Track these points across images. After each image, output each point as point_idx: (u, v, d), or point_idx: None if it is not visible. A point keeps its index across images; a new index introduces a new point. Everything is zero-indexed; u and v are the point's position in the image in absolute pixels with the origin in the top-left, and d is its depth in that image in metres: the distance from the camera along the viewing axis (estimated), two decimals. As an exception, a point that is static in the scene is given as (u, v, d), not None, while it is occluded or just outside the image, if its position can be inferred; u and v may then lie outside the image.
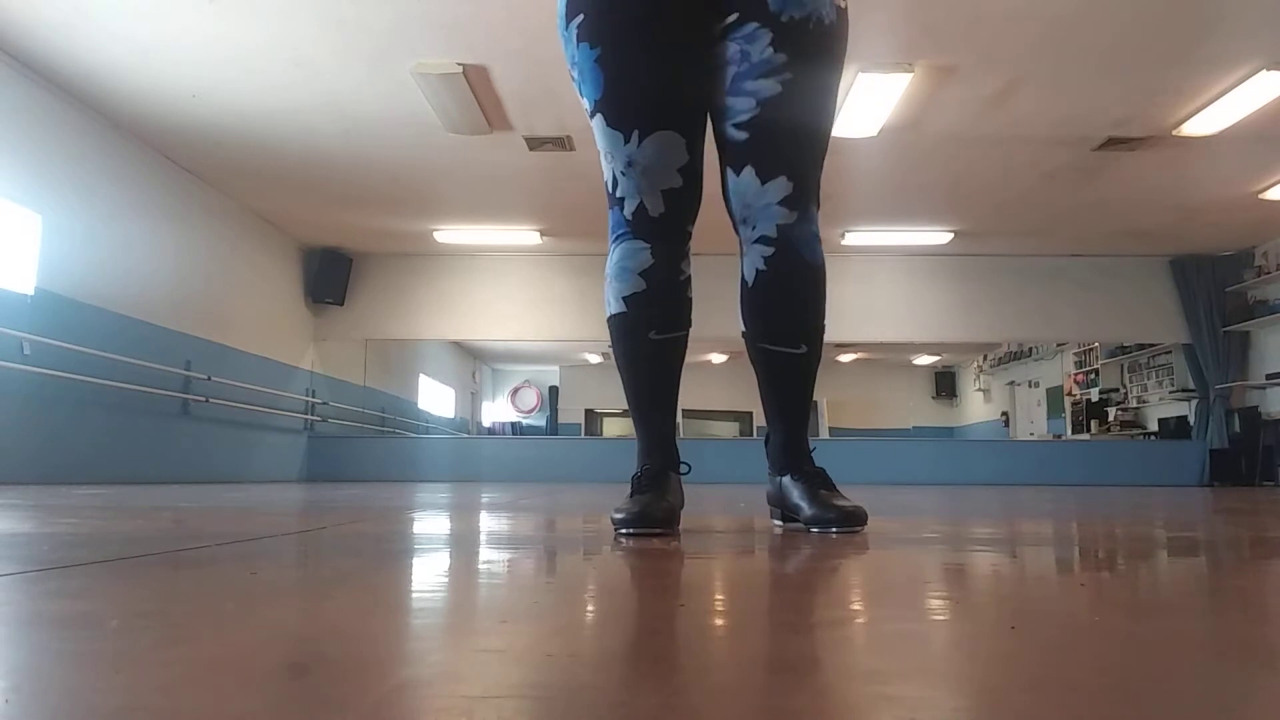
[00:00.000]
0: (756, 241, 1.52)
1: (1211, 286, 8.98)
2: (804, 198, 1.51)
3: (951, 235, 8.55)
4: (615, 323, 1.58)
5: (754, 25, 1.47)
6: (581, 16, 1.50)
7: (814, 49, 1.48)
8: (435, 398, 13.89)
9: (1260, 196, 7.26)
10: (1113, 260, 9.24)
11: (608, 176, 1.56)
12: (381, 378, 11.31)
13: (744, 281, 1.56)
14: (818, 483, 1.54)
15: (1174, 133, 6.00)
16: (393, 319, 9.39)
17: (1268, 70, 5.10)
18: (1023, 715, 0.38)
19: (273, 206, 7.88)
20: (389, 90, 5.50)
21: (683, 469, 1.60)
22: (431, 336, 9.79)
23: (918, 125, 5.97)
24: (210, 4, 4.57)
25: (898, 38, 4.85)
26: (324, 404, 9.38)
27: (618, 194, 1.55)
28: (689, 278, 1.59)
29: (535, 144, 6.33)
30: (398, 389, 12.00)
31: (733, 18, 1.49)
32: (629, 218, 1.54)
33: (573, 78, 1.57)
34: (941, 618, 0.65)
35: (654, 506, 1.44)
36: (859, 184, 7.10)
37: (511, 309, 9.31)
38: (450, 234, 8.56)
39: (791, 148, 1.49)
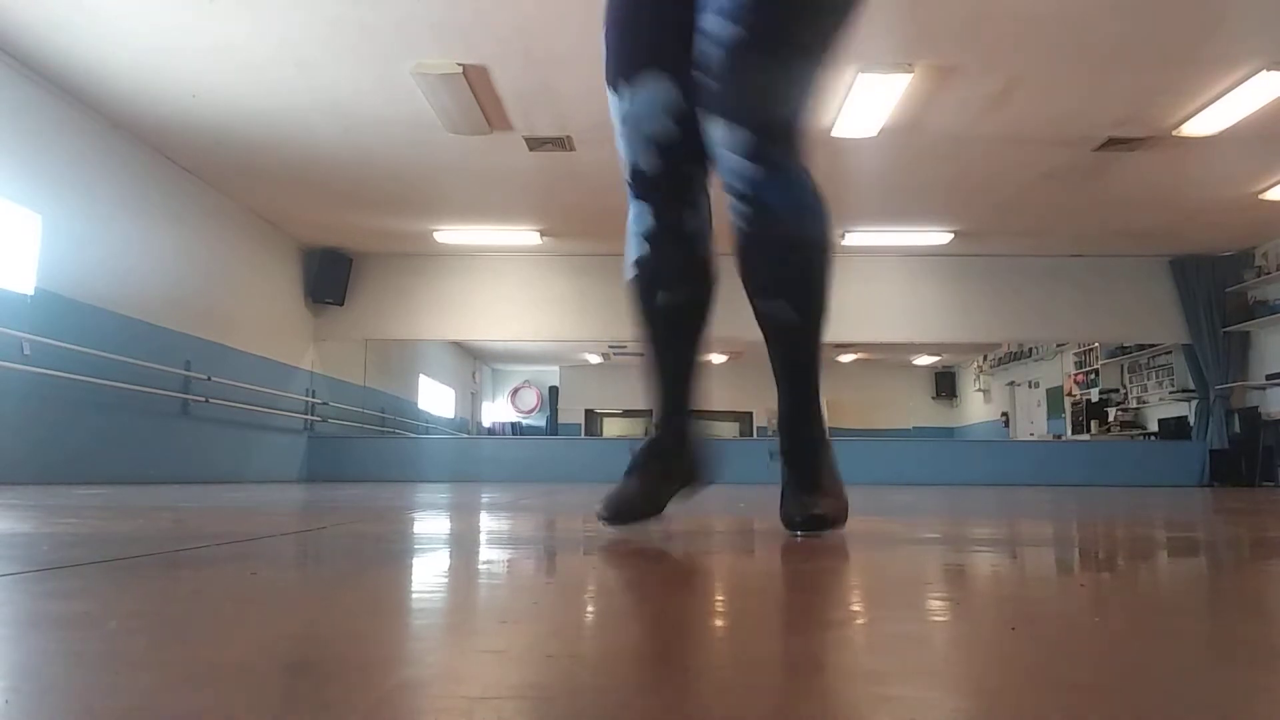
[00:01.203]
0: (731, 196, 1.39)
1: (1211, 287, 8.98)
2: (772, 147, 1.34)
3: (951, 235, 8.55)
4: (629, 290, 1.54)
5: None
6: (606, 2, 1.51)
7: None
8: (435, 398, 13.89)
9: (1260, 197, 7.26)
10: (1113, 260, 9.24)
11: (617, 144, 1.51)
12: (381, 378, 11.31)
13: (731, 240, 1.43)
14: (798, 474, 1.45)
15: (1174, 133, 6.00)
16: (393, 319, 9.39)
17: (1268, 70, 5.10)
18: (1023, 716, 0.38)
19: (273, 206, 7.88)
20: (389, 90, 5.50)
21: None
22: (431, 337, 9.79)
23: (918, 126, 5.96)
24: (211, 4, 4.57)
25: (897, 38, 4.85)
26: (324, 404, 9.38)
27: (621, 156, 1.50)
28: (698, 232, 1.50)
29: (535, 144, 6.33)
30: (398, 389, 12.00)
31: None
32: (629, 179, 1.49)
33: None
34: (941, 618, 0.65)
35: (632, 496, 1.43)
36: (859, 184, 7.10)
37: (511, 309, 9.31)
38: (450, 234, 8.56)
39: (756, 95, 1.34)
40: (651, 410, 1.55)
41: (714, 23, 1.35)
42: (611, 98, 1.48)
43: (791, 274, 1.39)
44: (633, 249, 1.52)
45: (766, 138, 1.34)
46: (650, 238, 1.49)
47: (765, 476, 8.96)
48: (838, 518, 1.40)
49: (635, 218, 1.51)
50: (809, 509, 1.39)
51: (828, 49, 1.38)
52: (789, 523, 1.41)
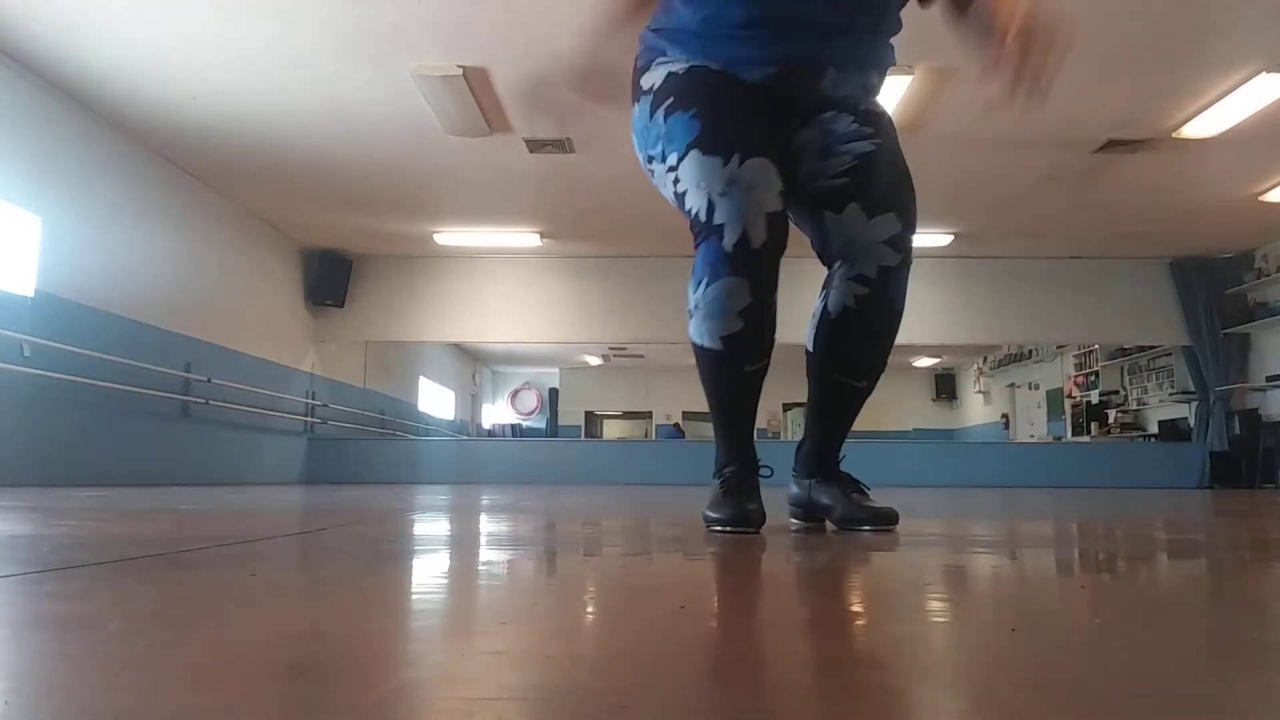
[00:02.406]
0: (852, 279, 1.57)
1: (1211, 289, 8.98)
2: (908, 237, 1.57)
3: (952, 237, 8.55)
4: (709, 357, 1.59)
5: (832, 112, 1.60)
6: (671, 99, 1.57)
7: (891, 128, 1.65)
8: (435, 400, 13.89)
9: (1260, 199, 7.26)
10: (1113, 262, 9.24)
11: (699, 206, 1.49)
12: (381, 380, 11.30)
13: (825, 310, 1.62)
14: (848, 486, 1.65)
15: (1174, 135, 6.00)
16: (393, 321, 9.39)
17: (1267, 72, 5.10)
18: (1023, 716, 0.38)
19: (273, 208, 7.89)
20: (389, 92, 5.50)
21: (764, 472, 1.68)
22: (431, 339, 9.78)
23: (918, 127, 5.97)
24: (211, 6, 4.57)
25: (898, 39, 4.85)
26: (324, 406, 9.37)
27: (715, 220, 1.47)
28: (775, 307, 1.60)
29: (535, 146, 6.33)
30: (398, 391, 12.00)
31: (805, 116, 1.62)
32: (729, 250, 1.46)
33: (650, 172, 1.64)
34: (942, 619, 0.65)
35: (746, 509, 1.53)
36: (859, 186, 7.09)
37: (511, 311, 9.31)
38: (450, 236, 8.56)
39: (895, 190, 1.57)
40: (720, 457, 1.69)
41: (844, 146, 1.58)
42: (706, 160, 1.49)
43: (877, 355, 1.64)
44: (722, 323, 1.52)
45: (909, 227, 1.58)
46: (745, 315, 1.51)
47: (764, 478, 8.95)
48: (895, 515, 1.58)
49: (729, 293, 1.49)
50: (873, 507, 1.59)
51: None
52: (851, 521, 1.58)
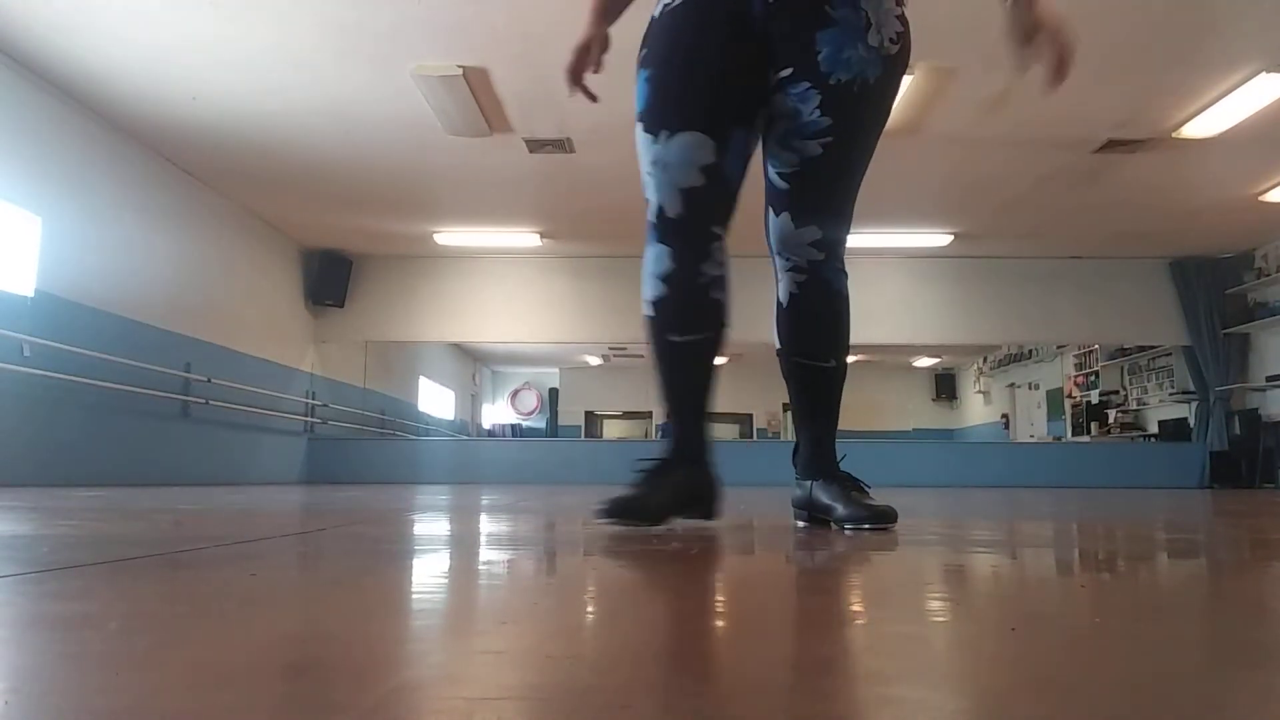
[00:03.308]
0: (790, 269, 1.69)
1: (1211, 288, 8.98)
2: (832, 243, 1.68)
3: (951, 237, 8.55)
4: (645, 325, 1.66)
5: (806, 84, 1.58)
6: (645, 50, 1.64)
7: (858, 113, 1.62)
8: (435, 400, 13.89)
9: (1260, 199, 7.26)
10: (1113, 262, 9.24)
11: (641, 178, 1.64)
12: (381, 380, 11.31)
13: (779, 303, 1.72)
14: (849, 485, 1.68)
15: (1174, 135, 6.01)
16: (393, 321, 9.39)
17: (1267, 72, 5.10)
18: (1023, 717, 0.38)
19: (273, 208, 7.89)
20: (389, 92, 5.50)
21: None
22: (432, 339, 9.78)
23: (918, 127, 5.97)
24: (211, 6, 4.57)
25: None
26: (324, 406, 9.37)
27: (646, 194, 1.62)
28: (718, 279, 1.62)
29: (535, 146, 6.33)
30: (398, 391, 12.00)
31: (787, 72, 1.59)
32: (653, 220, 1.60)
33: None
34: (942, 619, 0.65)
35: (634, 501, 1.51)
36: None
37: (511, 311, 9.31)
38: (450, 236, 8.56)
39: (824, 203, 1.66)
40: (662, 427, 1.68)
41: (799, 143, 1.62)
42: (644, 137, 1.60)
43: (834, 334, 1.71)
44: (649, 289, 1.62)
45: (832, 233, 1.67)
46: (667, 279, 1.59)
47: (765, 478, 8.95)
48: (894, 514, 1.61)
49: (654, 259, 1.61)
50: (873, 506, 1.61)
51: (873, 148, 1.73)
52: (853, 520, 1.60)
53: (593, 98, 1.78)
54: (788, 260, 1.69)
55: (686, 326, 1.61)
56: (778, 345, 1.73)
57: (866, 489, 1.69)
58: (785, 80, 1.60)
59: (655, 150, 1.58)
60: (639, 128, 1.62)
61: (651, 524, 1.51)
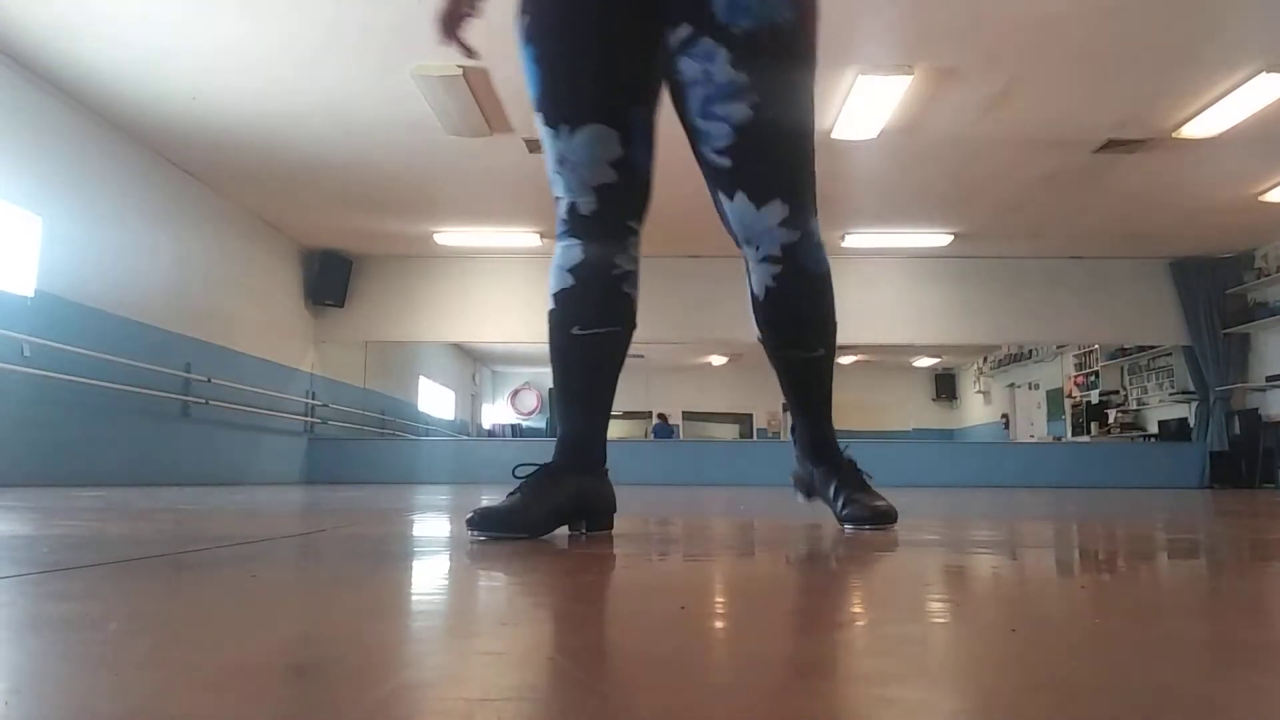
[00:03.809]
0: (763, 260, 1.52)
1: (1211, 289, 8.98)
2: (802, 214, 1.49)
3: (951, 237, 8.55)
4: (548, 320, 1.55)
5: (709, 42, 1.41)
6: (527, 17, 1.48)
7: (774, 60, 1.42)
8: (435, 400, 13.88)
9: (1260, 199, 7.26)
10: (1113, 262, 9.24)
11: (548, 174, 1.53)
12: (381, 380, 11.30)
13: (754, 296, 1.56)
14: (851, 481, 1.63)
15: (1174, 135, 6.01)
16: (393, 321, 9.39)
17: (1267, 72, 5.10)
18: (1024, 718, 0.38)
19: (273, 208, 7.89)
20: (389, 92, 5.50)
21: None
22: (432, 339, 9.78)
23: (918, 127, 5.97)
24: (211, 7, 4.57)
25: (898, 40, 4.86)
26: (324, 406, 9.37)
27: (555, 192, 1.52)
28: (628, 274, 1.51)
29: (535, 146, 6.33)
30: (398, 391, 12.00)
31: (685, 31, 1.42)
32: (564, 216, 1.51)
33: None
34: (942, 620, 0.65)
35: (508, 510, 1.35)
36: (859, 186, 7.10)
37: (511, 311, 9.31)
38: (450, 236, 8.56)
39: (778, 169, 1.46)
40: (561, 436, 1.52)
41: (722, 109, 1.42)
42: (545, 131, 1.48)
43: (820, 321, 1.58)
44: (554, 280, 1.52)
45: (799, 203, 1.48)
46: (575, 271, 1.49)
47: (764, 478, 8.95)
48: (895, 513, 1.58)
49: (563, 252, 1.51)
50: (875, 506, 1.57)
51: (811, 103, 1.50)
52: (855, 520, 1.58)
53: (470, 53, 1.61)
54: (759, 250, 1.51)
55: (592, 319, 1.49)
56: (758, 336, 1.61)
57: (869, 479, 1.65)
58: (685, 42, 1.42)
59: (559, 147, 1.47)
60: (538, 118, 1.50)
61: (530, 536, 1.33)
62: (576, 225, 1.50)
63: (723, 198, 1.50)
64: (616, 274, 1.50)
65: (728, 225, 1.54)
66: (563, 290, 1.51)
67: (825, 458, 1.66)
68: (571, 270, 1.50)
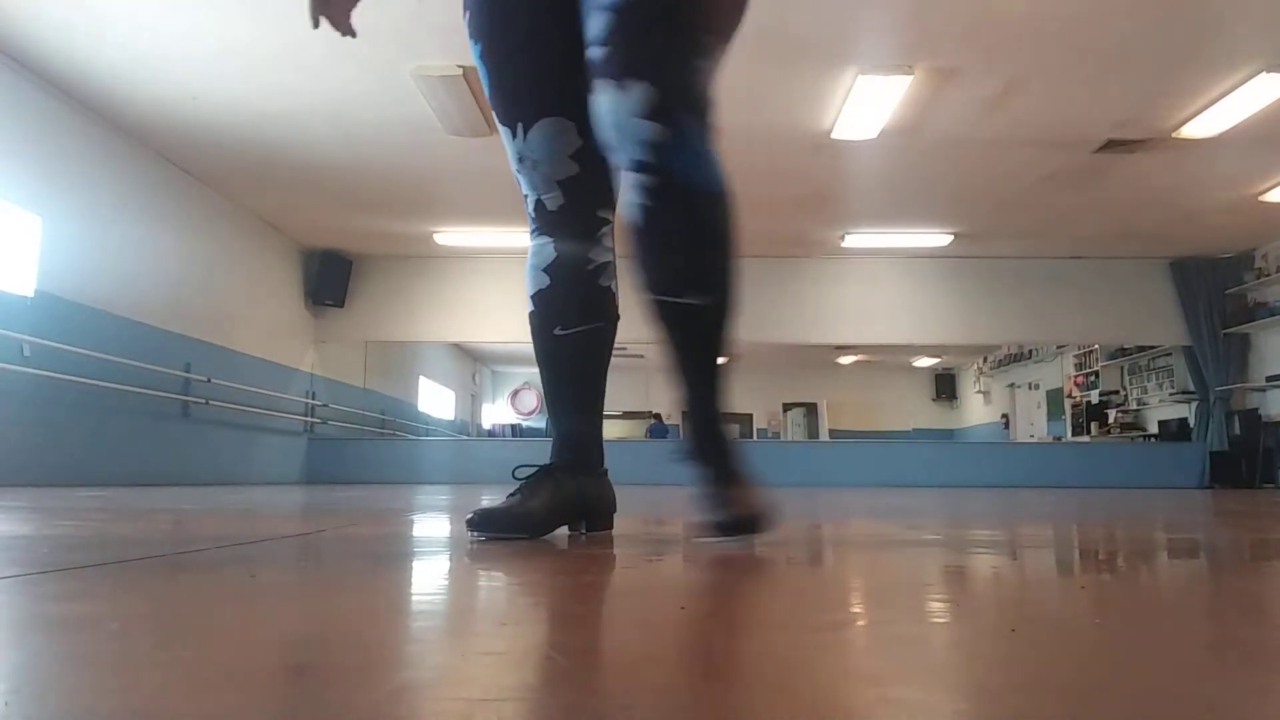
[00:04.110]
0: (633, 169, 1.22)
1: (1211, 289, 8.98)
2: (678, 105, 1.19)
3: (951, 237, 8.55)
4: (529, 322, 1.49)
5: None
6: (468, 13, 1.44)
7: None
8: (435, 400, 13.88)
9: (1260, 199, 7.26)
10: (1113, 262, 9.24)
11: (512, 173, 1.47)
12: (381, 380, 11.30)
13: (628, 225, 1.27)
14: (720, 475, 1.28)
15: (1174, 135, 6.00)
16: (393, 321, 9.39)
17: (1267, 72, 5.10)
18: (1024, 718, 0.38)
19: (273, 208, 7.89)
20: (389, 92, 5.50)
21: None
22: (431, 339, 9.78)
23: (918, 127, 5.97)
24: (211, 7, 4.57)
25: (898, 40, 4.85)
26: (324, 406, 9.37)
27: (521, 190, 1.47)
28: (604, 266, 1.45)
29: (535, 146, 6.32)
30: (398, 391, 12.00)
31: None
32: (532, 213, 1.46)
33: None
34: (942, 620, 0.65)
35: (507, 511, 1.31)
36: (859, 186, 7.10)
37: (512, 311, 9.30)
38: (450, 236, 8.56)
39: (653, 49, 1.20)
40: (557, 437, 1.49)
41: None
42: (503, 131, 1.43)
43: (703, 258, 1.25)
44: (531, 281, 1.46)
45: (666, 92, 1.19)
46: (550, 270, 1.44)
47: (764, 478, 8.95)
48: (771, 517, 1.24)
49: (536, 251, 1.46)
50: (736, 512, 1.22)
51: (716, 9, 1.29)
52: (716, 527, 1.22)
53: (348, 32, 1.48)
54: (626, 156, 1.21)
55: (573, 317, 1.43)
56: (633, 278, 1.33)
57: (744, 475, 1.28)
58: None
59: (517, 146, 1.41)
60: (495, 116, 1.44)
61: (530, 537, 1.30)
62: (545, 222, 1.44)
63: (601, 107, 1.23)
64: (591, 268, 1.44)
65: (603, 136, 1.27)
66: (540, 291, 1.45)
67: (696, 447, 1.31)
68: (547, 269, 1.44)
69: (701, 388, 1.31)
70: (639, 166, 1.21)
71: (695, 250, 1.24)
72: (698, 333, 1.28)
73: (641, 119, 1.18)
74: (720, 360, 1.30)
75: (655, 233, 1.23)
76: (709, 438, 1.31)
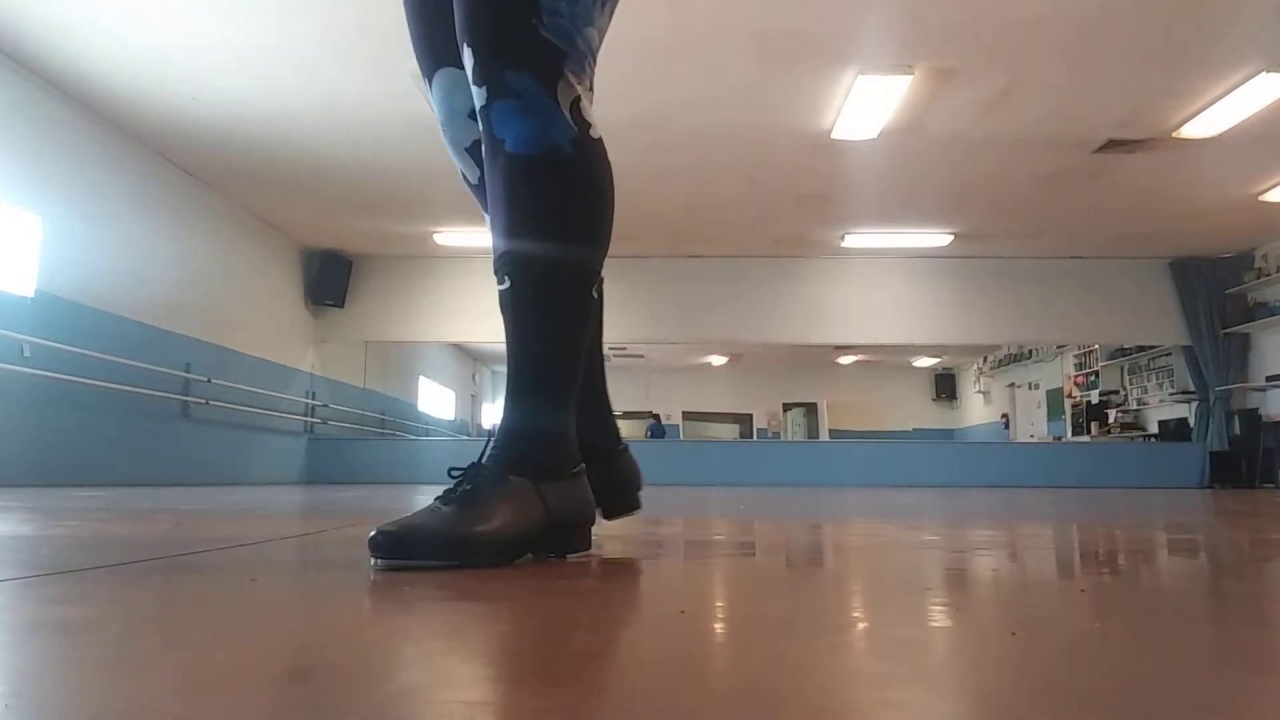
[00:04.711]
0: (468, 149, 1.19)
1: (1211, 288, 8.99)
2: (492, 63, 1.05)
3: (951, 237, 8.55)
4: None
5: None
6: None
7: None
8: (435, 400, 13.89)
9: (1260, 198, 7.26)
10: (1113, 262, 9.25)
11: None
12: (381, 380, 11.31)
13: None
14: (455, 478, 1.08)
15: (1174, 135, 6.01)
16: (393, 321, 9.39)
17: (1267, 72, 5.10)
18: (1023, 721, 0.38)
19: (273, 209, 7.89)
20: (389, 93, 5.50)
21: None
22: (431, 339, 9.78)
23: (918, 127, 5.97)
24: (211, 7, 4.57)
25: (898, 40, 4.85)
26: (324, 406, 9.38)
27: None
28: None
29: (535, 146, 6.32)
30: (398, 391, 12.00)
31: None
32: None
33: None
34: (942, 623, 0.65)
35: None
36: (859, 186, 7.10)
37: (511, 311, 9.31)
38: (450, 236, 8.56)
39: (473, 7, 1.06)
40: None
41: None
42: (423, 85, 1.29)
43: (515, 229, 1.08)
44: (592, 202, 1.21)
45: (485, 49, 1.05)
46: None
47: (764, 477, 8.95)
48: (434, 547, 0.96)
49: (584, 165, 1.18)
50: (393, 525, 0.96)
51: None
52: (372, 547, 0.95)
53: None
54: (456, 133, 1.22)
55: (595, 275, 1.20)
56: None
57: (462, 487, 1.05)
58: None
59: (435, 109, 1.28)
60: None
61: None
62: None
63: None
64: None
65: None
66: (599, 225, 1.23)
67: (498, 451, 1.09)
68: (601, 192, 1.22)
69: (512, 388, 1.11)
70: (484, 135, 1.09)
71: (503, 220, 1.08)
72: (509, 322, 1.09)
73: (475, 86, 1.07)
74: (535, 359, 1.09)
75: (492, 204, 1.10)
76: (506, 447, 1.10)
